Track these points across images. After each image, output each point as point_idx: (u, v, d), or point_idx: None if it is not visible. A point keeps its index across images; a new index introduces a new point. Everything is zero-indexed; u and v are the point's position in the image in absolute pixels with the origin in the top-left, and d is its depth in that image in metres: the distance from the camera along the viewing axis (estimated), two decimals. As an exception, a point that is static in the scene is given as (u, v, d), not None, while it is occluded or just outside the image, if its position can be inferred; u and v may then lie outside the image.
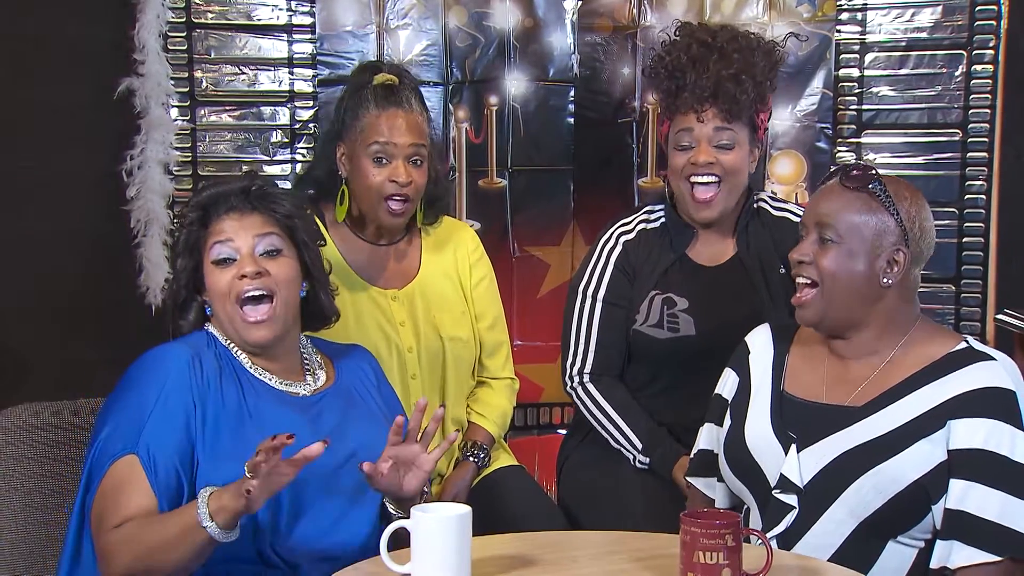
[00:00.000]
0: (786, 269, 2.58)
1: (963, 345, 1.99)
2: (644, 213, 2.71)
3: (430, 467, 1.97)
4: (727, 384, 2.18)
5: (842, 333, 2.02)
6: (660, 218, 2.68)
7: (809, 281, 2.01)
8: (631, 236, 2.67)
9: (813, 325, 2.03)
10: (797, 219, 2.61)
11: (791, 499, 1.96)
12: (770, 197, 2.73)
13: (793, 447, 1.97)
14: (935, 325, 2.08)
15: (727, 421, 2.13)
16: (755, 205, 2.67)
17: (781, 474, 1.97)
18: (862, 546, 1.91)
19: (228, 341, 2.06)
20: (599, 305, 2.64)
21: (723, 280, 2.62)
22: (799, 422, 2.01)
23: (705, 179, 2.54)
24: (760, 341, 2.16)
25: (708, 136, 2.54)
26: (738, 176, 2.57)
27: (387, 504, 2.03)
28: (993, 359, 1.95)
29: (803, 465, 1.96)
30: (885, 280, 1.98)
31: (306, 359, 2.14)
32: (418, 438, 1.95)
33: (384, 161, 2.49)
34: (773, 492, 1.98)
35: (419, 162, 2.51)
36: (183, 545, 1.78)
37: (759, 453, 2.03)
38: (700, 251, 2.65)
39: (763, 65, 2.58)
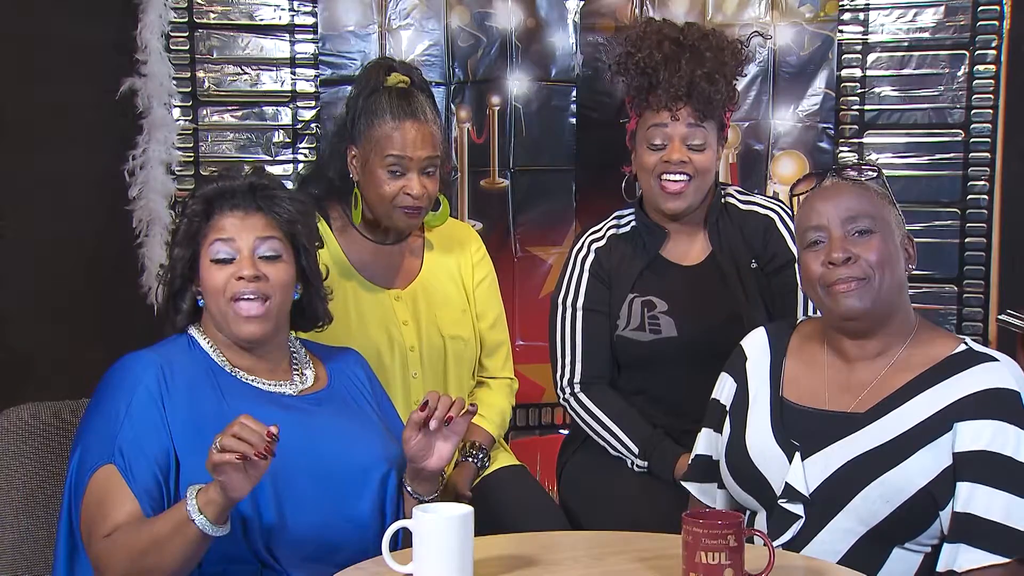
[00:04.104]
0: (758, 263, 2.59)
1: (963, 347, 1.98)
2: (613, 219, 2.72)
3: (462, 430, 1.99)
4: (724, 389, 2.17)
5: (874, 329, 1.99)
6: (630, 222, 2.69)
7: (852, 279, 1.96)
8: (602, 243, 2.68)
9: (861, 314, 1.97)
10: (764, 211, 2.64)
11: (797, 508, 1.95)
12: (736, 191, 2.73)
13: (797, 455, 1.96)
14: (933, 326, 2.07)
15: (726, 428, 2.12)
16: (723, 200, 2.67)
17: (786, 483, 1.96)
18: (868, 553, 1.90)
19: (210, 344, 2.06)
20: (579, 314, 2.64)
21: (699, 279, 2.62)
22: (802, 429, 2.00)
23: (676, 177, 2.55)
24: (756, 347, 2.15)
25: (682, 135, 2.54)
26: (707, 175, 2.58)
27: (405, 485, 2.05)
28: (996, 359, 1.95)
29: (808, 474, 1.95)
30: (910, 267, 2.01)
31: (295, 359, 2.14)
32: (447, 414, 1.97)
33: (398, 173, 2.50)
34: (779, 502, 1.97)
35: (432, 172, 2.53)
36: (175, 543, 1.77)
37: (762, 462, 2.01)
38: (673, 250, 2.65)
39: (732, 64, 2.60)
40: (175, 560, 1.78)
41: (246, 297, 2.01)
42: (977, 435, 1.87)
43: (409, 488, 2.05)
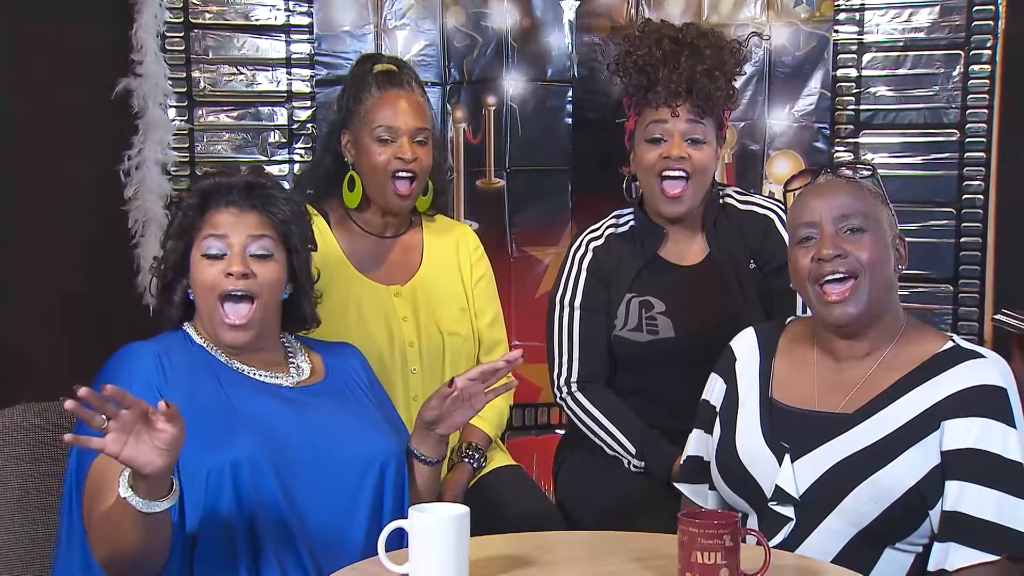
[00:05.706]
0: (756, 264, 2.59)
1: (950, 344, 1.98)
2: (612, 218, 2.72)
3: (481, 406, 2.05)
4: (714, 390, 2.17)
5: (865, 329, 2.00)
6: (629, 222, 2.69)
7: (842, 276, 1.97)
8: (600, 242, 2.68)
9: (853, 320, 1.98)
10: (763, 211, 2.64)
11: (788, 510, 1.95)
12: (735, 191, 2.73)
13: (787, 457, 1.96)
14: (921, 324, 2.07)
15: (717, 430, 2.12)
16: (721, 200, 2.67)
17: (776, 485, 1.96)
18: (859, 554, 1.90)
19: (204, 340, 2.07)
20: (577, 313, 2.64)
21: (697, 280, 2.62)
22: (791, 431, 2.00)
23: (675, 173, 2.54)
24: (746, 348, 2.15)
25: (681, 130, 2.55)
26: (706, 174, 2.58)
27: (412, 449, 2.08)
28: (983, 356, 1.95)
29: (798, 475, 1.95)
30: (900, 267, 2.01)
31: (290, 353, 2.15)
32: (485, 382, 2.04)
33: (389, 141, 2.53)
34: (769, 504, 1.97)
35: (422, 142, 2.56)
36: (125, 523, 1.75)
37: (752, 464, 2.01)
38: (671, 251, 2.65)
39: (731, 63, 2.61)
40: (133, 540, 1.76)
41: (234, 294, 2.01)
42: (965, 433, 1.88)
43: (416, 452, 2.08)
